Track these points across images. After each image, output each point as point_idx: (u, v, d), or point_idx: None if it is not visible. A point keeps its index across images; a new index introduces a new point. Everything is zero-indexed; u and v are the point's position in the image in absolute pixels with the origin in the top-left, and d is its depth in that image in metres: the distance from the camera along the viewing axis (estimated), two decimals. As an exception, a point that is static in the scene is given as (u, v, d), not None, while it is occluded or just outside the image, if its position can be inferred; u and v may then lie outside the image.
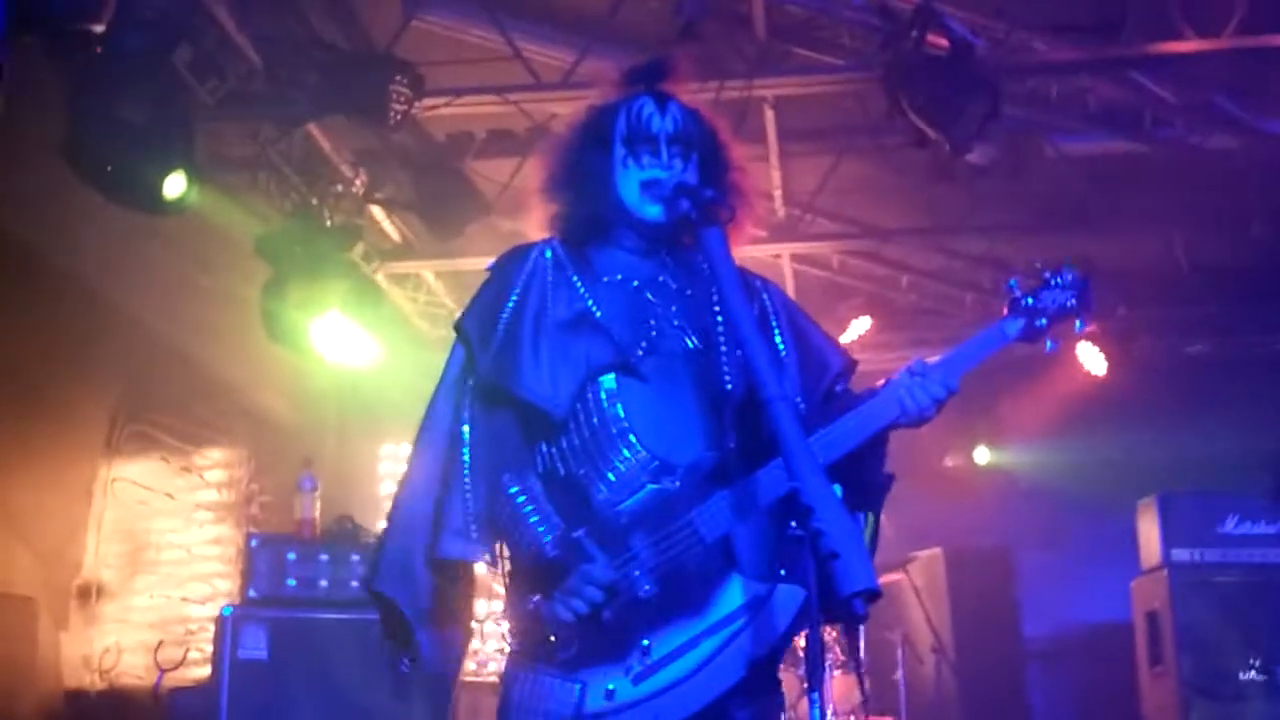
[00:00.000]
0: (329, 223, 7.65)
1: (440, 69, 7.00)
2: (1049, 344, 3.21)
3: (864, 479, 3.04)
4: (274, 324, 7.43)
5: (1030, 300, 3.17)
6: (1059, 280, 3.19)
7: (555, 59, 7.28)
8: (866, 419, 3.00)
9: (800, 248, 9.35)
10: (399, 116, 6.41)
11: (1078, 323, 3.20)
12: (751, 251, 8.99)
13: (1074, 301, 3.18)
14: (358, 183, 7.85)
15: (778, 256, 9.39)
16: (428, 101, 6.76)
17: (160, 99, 5.60)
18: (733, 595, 2.84)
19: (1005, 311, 3.18)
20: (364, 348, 8.01)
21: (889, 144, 7.85)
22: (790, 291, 9.67)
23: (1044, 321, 3.16)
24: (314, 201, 7.54)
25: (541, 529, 2.85)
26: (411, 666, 3.05)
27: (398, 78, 6.33)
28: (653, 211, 3.06)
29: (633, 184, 3.08)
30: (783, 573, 2.83)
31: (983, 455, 11.33)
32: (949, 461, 11.36)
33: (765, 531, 2.90)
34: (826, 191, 8.76)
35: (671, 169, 3.07)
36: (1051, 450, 10.91)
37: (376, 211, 8.30)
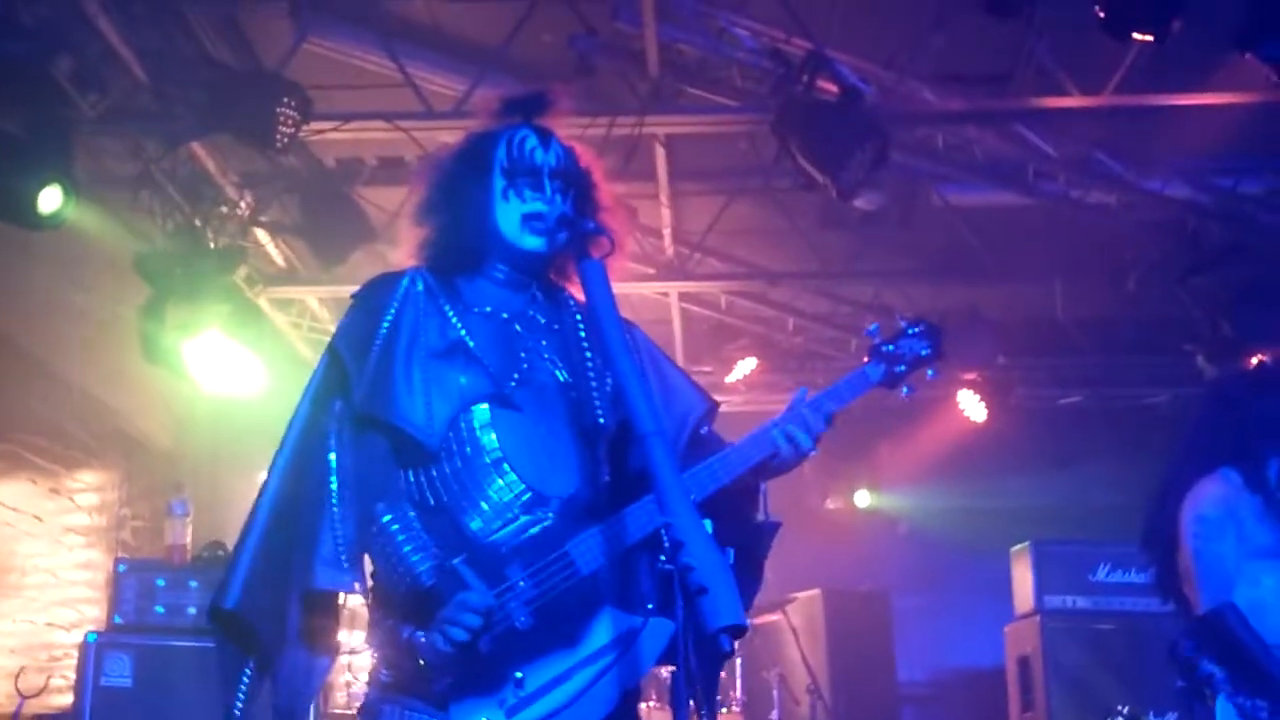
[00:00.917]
0: (212, 244, 7.51)
1: (330, 93, 6.95)
2: (905, 389, 3.35)
3: (746, 527, 3.10)
4: (151, 346, 7.28)
5: (890, 348, 3.31)
6: (915, 330, 3.34)
7: (447, 88, 7.26)
8: (742, 454, 3.05)
9: (688, 287, 9.41)
10: (286, 139, 6.33)
11: (929, 371, 3.38)
12: (639, 289, 9.05)
13: (927, 351, 3.34)
14: (243, 204, 7.73)
15: (665, 295, 9.43)
16: (316, 125, 6.69)
17: (37, 109, 5.46)
18: (606, 628, 2.84)
19: (866, 358, 3.33)
20: (243, 372, 7.87)
21: (779, 186, 7.95)
22: (677, 330, 9.73)
23: (902, 368, 3.31)
24: (197, 222, 7.41)
25: (416, 558, 2.80)
26: (245, 708, 2.96)
27: (286, 99, 6.25)
28: (533, 242, 3.04)
29: (514, 216, 3.05)
30: (651, 607, 2.83)
31: (863, 499, 11.45)
32: (830, 504, 11.46)
33: (637, 565, 2.91)
34: (716, 232, 8.82)
35: (553, 203, 3.06)
36: (930, 495, 11.06)
37: (261, 235, 8.18)
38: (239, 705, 2.94)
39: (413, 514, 2.88)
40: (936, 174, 8.19)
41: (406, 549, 2.81)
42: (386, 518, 2.86)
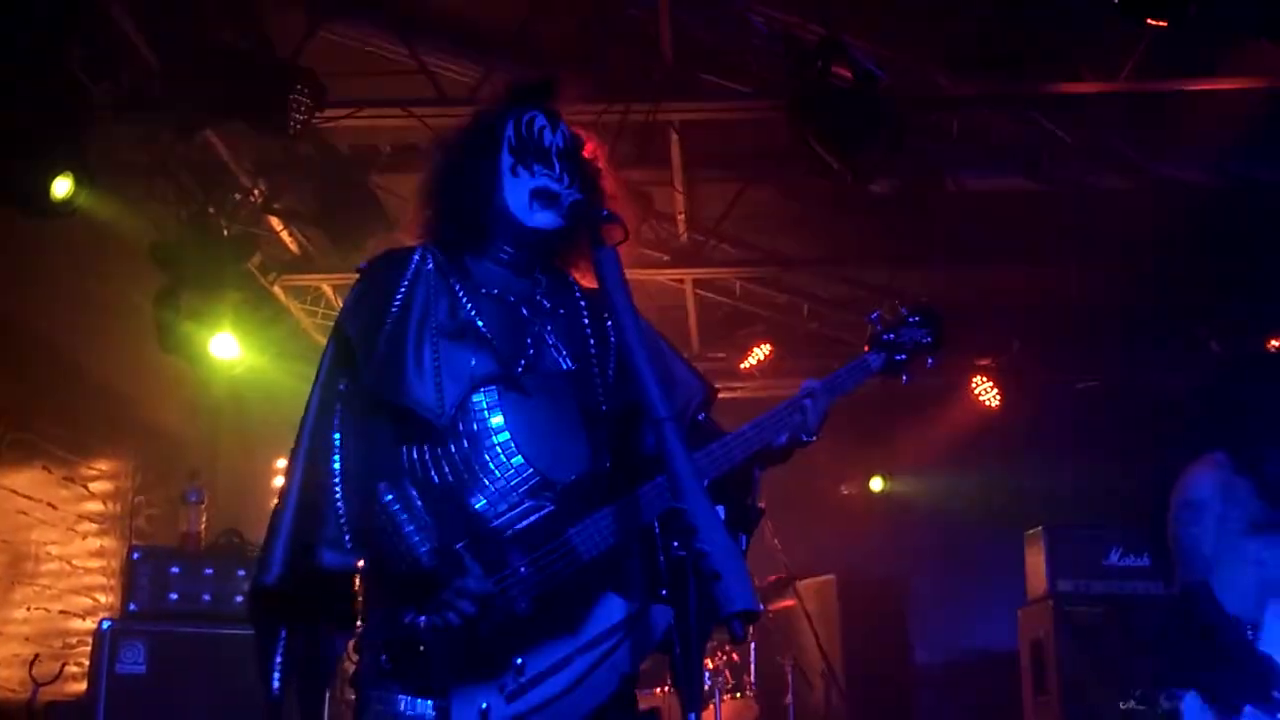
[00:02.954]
0: (226, 232, 7.52)
1: (344, 80, 6.94)
2: (905, 377, 3.38)
3: (738, 513, 3.11)
4: (166, 334, 7.30)
5: (890, 336, 3.35)
6: (915, 318, 3.38)
7: (462, 74, 7.26)
8: (743, 441, 3.08)
9: (703, 273, 9.40)
10: (299, 126, 6.32)
11: (929, 359, 3.40)
12: (654, 275, 9.05)
13: (928, 339, 3.38)
14: (257, 192, 7.74)
15: (680, 281, 9.42)
16: (329, 112, 6.69)
17: (49, 97, 5.45)
18: (607, 613, 2.86)
19: (867, 347, 3.35)
20: (257, 360, 7.89)
21: (794, 173, 7.93)
22: (691, 316, 9.72)
23: (902, 356, 3.35)
24: (211, 210, 7.42)
25: (417, 539, 2.81)
26: (282, 685, 3.00)
27: (299, 87, 6.24)
28: (543, 218, 3.06)
29: (523, 192, 3.06)
30: (664, 593, 2.83)
31: (878, 484, 11.44)
32: (845, 489, 11.46)
33: (644, 549, 2.91)
34: (731, 218, 8.81)
35: (561, 182, 3.07)
36: (945, 480, 11.05)
37: (276, 222, 8.19)
38: (277, 680, 2.97)
39: (414, 493, 2.88)
40: (951, 159, 8.16)
41: (409, 529, 2.82)
42: (389, 497, 2.86)
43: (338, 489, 2.92)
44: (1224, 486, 4.49)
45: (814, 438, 3.15)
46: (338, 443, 2.96)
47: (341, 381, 3.01)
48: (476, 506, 2.89)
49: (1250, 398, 4.61)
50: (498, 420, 2.94)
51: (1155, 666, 4.92)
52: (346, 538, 2.89)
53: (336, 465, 2.94)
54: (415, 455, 2.95)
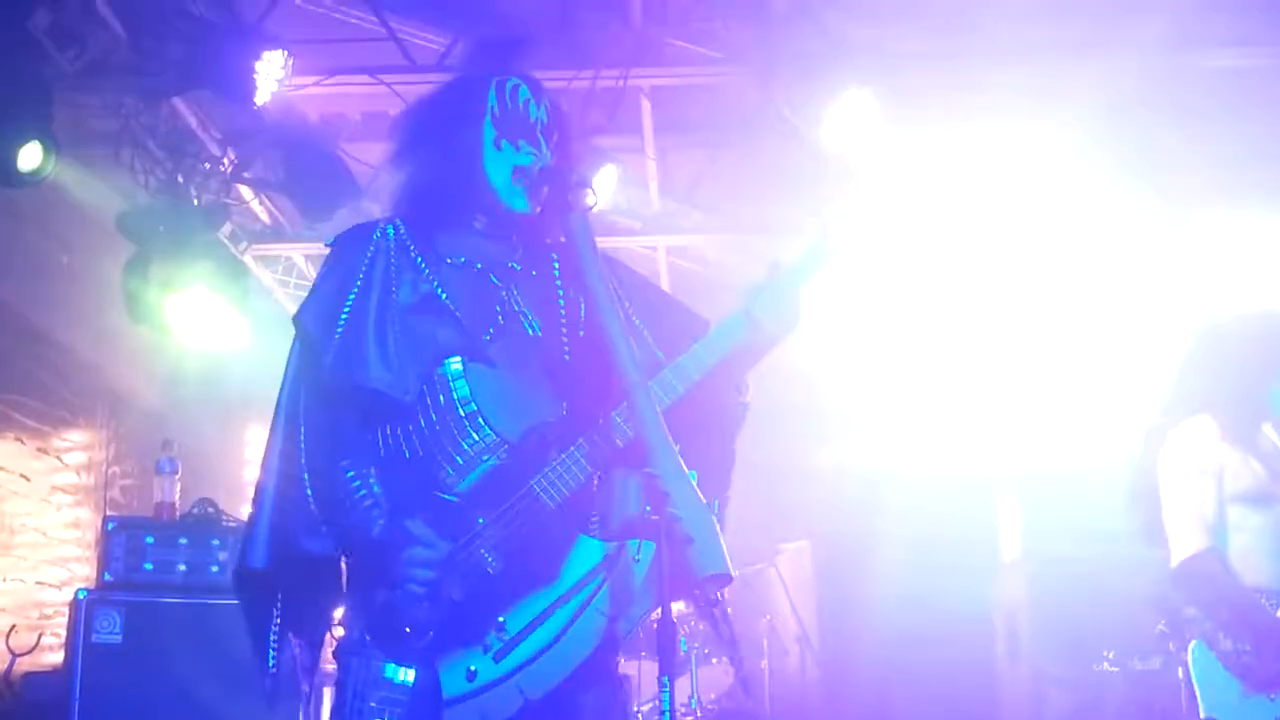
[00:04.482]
0: (196, 201, 7.47)
1: (312, 48, 6.89)
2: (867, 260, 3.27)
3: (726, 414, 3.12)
4: (136, 304, 7.25)
5: (838, 223, 3.17)
6: (864, 205, 3.20)
7: (431, 41, 7.21)
8: (712, 345, 3.02)
9: (675, 240, 9.37)
10: (267, 94, 6.28)
11: (888, 243, 3.27)
12: (626, 243, 9.03)
13: (879, 222, 3.21)
14: (226, 161, 7.68)
15: (652, 249, 9.40)
16: (297, 80, 6.64)
17: (15, 66, 5.40)
18: (583, 558, 2.85)
19: (824, 228, 3.19)
20: (229, 329, 7.85)
21: (765, 139, 7.91)
22: (665, 285, 9.70)
23: (854, 243, 3.18)
24: (180, 179, 7.36)
25: (375, 513, 2.82)
26: (277, 662, 3.03)
27: (267, 54, 6.20)
28: (520, 204, 3.05)
29: (505, 168, 3.05)
30: (638, 559, 2.84)
31: (851, 449, 11.43)
32: (818, 455, 11.46)
33: (616, 488, 2.93)
34: (703, 185, 8.78)
35: (543, 157, 3.06)
36: (918, 444, 11.08)
37: (245, 191, 8.14)
38: (272, 657, 3.00)
39: (372, 470, 2.88)
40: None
41: (367, 503, 2.83)
42: (350, 474, 2.87)
43: (306, 474, 2.94)
44: (1217, 451, 4.48)
45: (794, 324, 3.05)
46: (304, 428, 2.97)
47: (308, 364, 3.01)
48: (446, 479, 2.88)
49: (1231, 361, 4.60)
50: (464, 391, 2.93)
51: (1146, 627, 4.89)
52: (321, 524, 2.91)
53: (304, 449, 2.95)
54: (386, 433, 2.96)
